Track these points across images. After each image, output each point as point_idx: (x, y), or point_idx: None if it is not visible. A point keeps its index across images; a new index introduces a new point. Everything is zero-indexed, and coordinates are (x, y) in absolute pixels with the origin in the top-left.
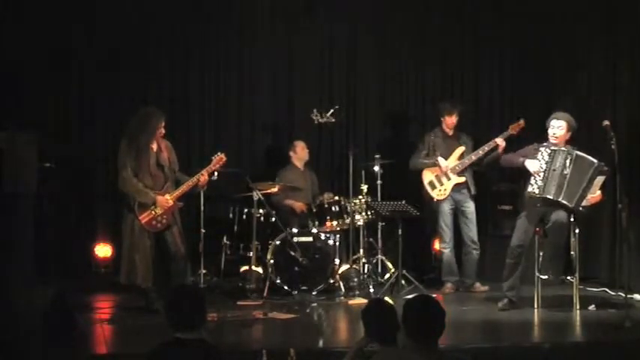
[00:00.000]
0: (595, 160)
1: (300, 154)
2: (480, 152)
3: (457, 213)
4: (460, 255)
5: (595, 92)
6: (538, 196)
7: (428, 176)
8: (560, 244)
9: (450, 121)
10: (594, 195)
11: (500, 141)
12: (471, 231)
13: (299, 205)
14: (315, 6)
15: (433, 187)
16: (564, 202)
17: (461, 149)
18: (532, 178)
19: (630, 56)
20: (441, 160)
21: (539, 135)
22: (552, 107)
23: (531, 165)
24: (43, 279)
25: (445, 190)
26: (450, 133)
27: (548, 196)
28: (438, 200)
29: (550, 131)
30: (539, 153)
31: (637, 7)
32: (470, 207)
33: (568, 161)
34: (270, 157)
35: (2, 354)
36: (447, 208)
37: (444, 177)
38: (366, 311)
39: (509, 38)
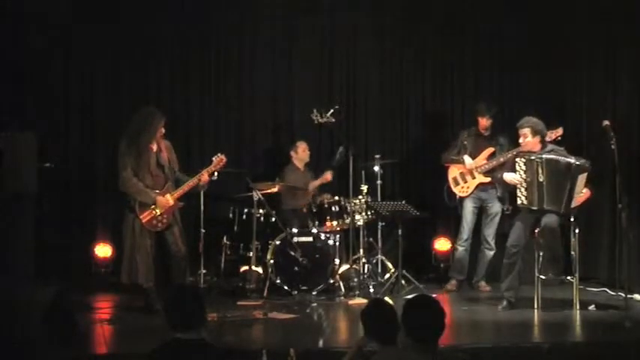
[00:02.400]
0: (572, 161)
1: (301, 154)
2: (509, 155)
3: (481, 211)
4: (476, 252)
5: (595, 92)
6: (526, 207)
7: (453, 172)
8: (554, 247)
9: (482, 122)
10: (580, 195)
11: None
12: (488, 230)
13: (324, 177)
14: (314, 5)
15: (456, 183)
16: (550, 208)
17: (489, 150)
18: (517, 190)
19: (630, 56)
20: (466, 158)
21: None
22: (552, 108)
23: (509, 178)
24: (43, 279)
25: (468, 187)
26: (485, 133)
27: (533, 207)
28: (460, 197)
29: (519, 141)
30: (517, 164)
31: (637, 6)
32: (493, 207)
33: (540, 168)
34: (271, 157)
35: (2, 354)
36: (470, 207)
37: (468, 175)
38: (365, 312)
39: (509, 38)
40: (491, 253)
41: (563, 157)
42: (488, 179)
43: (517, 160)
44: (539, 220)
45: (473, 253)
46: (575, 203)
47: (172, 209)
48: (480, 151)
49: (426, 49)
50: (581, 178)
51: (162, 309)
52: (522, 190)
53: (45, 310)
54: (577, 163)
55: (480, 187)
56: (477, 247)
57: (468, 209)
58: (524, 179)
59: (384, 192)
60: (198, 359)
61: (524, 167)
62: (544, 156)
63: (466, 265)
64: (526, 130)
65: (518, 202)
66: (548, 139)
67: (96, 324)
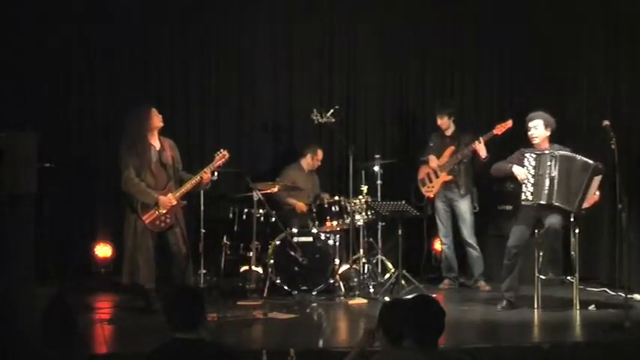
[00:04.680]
0: (590, 162)
1: (315, 161)
2: (466, 152)
3: (453, 212)
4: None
5: (595, 93)
6: (532, 202)
7: (422, 173)
8: (556, 248)
9: (439, 121)
10: (593, 196)
11: (477, 145)
12: (463, 230)
13: (300, 205)
14: (315, 5)
15: (424, 184)
16: (558, 204)
17: (450, 149)
18: (523, 186)
19: (630, 56)
20: (431, 158)
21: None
22: (552, 108)
23: (518, 171)
24: (43, 279)
25: (433, 187)
26: (447, 133)
27: (542, 202)
28: (429, 197)
29: (529, 133)
30: (525, 159)
31: (637, 7)
32: (460, 206)
33: (553, 163)
34: (271, 157)
35: (2, 354)
36: (440, 206)
37: (433, 175)
38: (411, 307)
39: (509, 38)
40: (475, 252)
41: (580, 156)
42: (450, 177)
43: (526, 155)
44: (540, 220)
45: (460, 252)
46: (585, 204)
47: (175, 208)
48: (444, 150)
49: (426, 49)
50: (597, 180)
51: (161, 309)
52: (529, 185)
53: (45, 310)
54: (596, 163)
55: (444, 185)
56: (462, 247)
57: (439, 209)
58: (533, 175)
59: (384, 192)
60: (198, 359)
61: (533, 163)
62: (559, 152)
63: (453, 264)
64: (537, 122)
65: (523, 197)
66: (497, 132)
67: (96, 324)
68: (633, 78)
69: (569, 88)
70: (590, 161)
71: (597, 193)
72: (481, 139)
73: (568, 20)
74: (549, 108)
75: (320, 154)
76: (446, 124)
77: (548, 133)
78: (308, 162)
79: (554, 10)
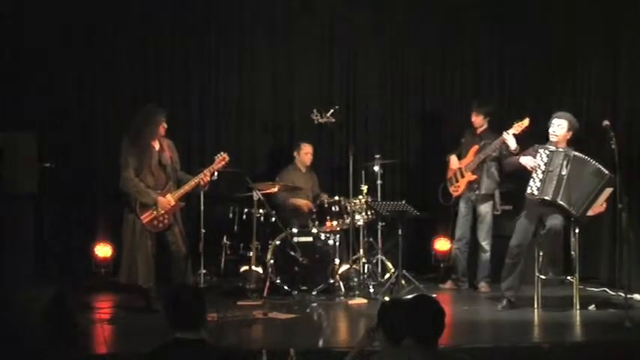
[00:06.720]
0: (606, 171)
1: (302, 157)
2: (489, 151)
3: (474, 212)
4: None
5: (595, 92)
6: (537, 197)
7: (449, 172)
8: (556, 249)
9: (473, 119)
10: (599, 207)
11: (506, 136)
12: (479, 232)
13: (305, 203)
14: (313, 4)
15: (451, 182)
16: (562, 203)
17: (475, 148)
18: (531, 179)
19: (630, 56)
20: (451, 158)
21: (540, 136)
22: (552, 107)
23: (526, 161)
24: (43, 279)
25: (459, 186)
26: (477, 131)
27: (546, 198)
28: (454, 196)
29: (550, 130)
30: (538, 155)
31: (637, 7)
32: (480, 207)
33: (565, 162)
34: (271, 157)
35: (2, 354)
36: (462, 207)
37: (459, 174)
38: (412, 306)
39: (509, 38)
40: (485, 255)
41: (596, 163)
42: (475, 177)
43: (540, 150)
44: (542, 220)
45: (470, 254)
46: (590, 212)
47: (173, 209)
48: (469, 149)
49: (426, 49)
50: (607, 191)
51: (162, 309)
52: (537, 179)
53: (45, 310)
54: (610, 174)
55: (468, 185)
56: (475, 248)
57: (460, 210)
58: (543, 170)
59: (384, 192)
60: (198, 359)
61: (545, 159)
62: (574, 153)
63: (459, 266)
64: (563, 122)
65: (528, 191)
66: (514, 131)
67: (96, 324)
68: (633, 78)
69: (569, 88)
70: (606, 170)
71: (604, 204)
72: (507, 133)
73: (568, 20)
74: (549, 108)
75: (306, 147)
76: (479, 122)
77: (568, 136)
78: (299, 159)
79: (554, 10)
